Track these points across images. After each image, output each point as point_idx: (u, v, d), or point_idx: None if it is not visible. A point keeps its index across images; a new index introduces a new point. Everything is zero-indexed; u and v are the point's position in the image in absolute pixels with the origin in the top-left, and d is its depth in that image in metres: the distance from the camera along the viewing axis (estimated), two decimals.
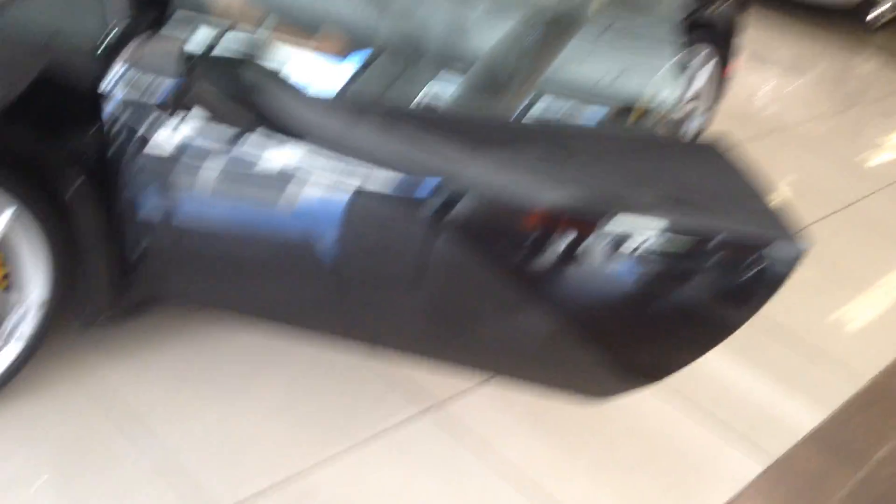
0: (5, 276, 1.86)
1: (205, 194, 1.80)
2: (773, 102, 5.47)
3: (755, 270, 1.71)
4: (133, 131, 1.77)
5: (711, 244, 1.70)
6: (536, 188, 1.74)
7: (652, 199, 1.76)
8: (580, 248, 1.73)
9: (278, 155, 1.76)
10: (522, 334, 1.89)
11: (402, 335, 1.99)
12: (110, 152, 1.78)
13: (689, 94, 2.22)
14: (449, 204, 1.73)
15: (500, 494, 2.10)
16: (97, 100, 1.76)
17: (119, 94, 1.77)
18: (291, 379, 2.29)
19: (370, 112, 1.81)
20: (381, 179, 1.74)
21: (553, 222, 1.73)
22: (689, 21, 2.53)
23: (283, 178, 1.76)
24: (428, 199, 1.72)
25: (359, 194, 1.75)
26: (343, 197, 1.76)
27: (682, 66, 2.28)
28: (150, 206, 1.83)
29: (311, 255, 1.82)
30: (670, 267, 1.74)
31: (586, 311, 1.82)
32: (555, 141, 1.88)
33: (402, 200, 1.74)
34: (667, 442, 2.40)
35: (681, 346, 1.90)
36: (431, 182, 1.73)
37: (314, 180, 1.75)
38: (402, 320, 1.94)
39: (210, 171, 1.78)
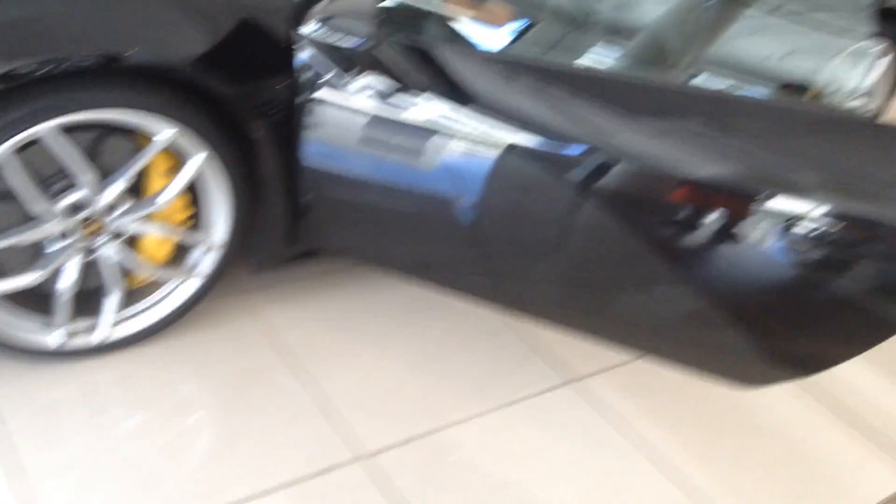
0: (193, 216, 2.02)
1: (365, 148, 1.89)
2: None
3: None
4: (318, 82, 1.87)
5: (879, 232, 1.64)
6: (693, 161, 1.73)
7: (817, 180, 1.71)
8: (734, 227, 1.71)
9: (431, 109, 1.81)
10: (668, 311, 1.89)
11: (541, 302, 2.02)
12: (295, 102, 1.88)
13: (864, 85, 2.13)
14: (600, 170, 1.75)
15: (637, 470, 2.11)
16: (289, 50, 1.86)
17: (310, 45, 1.86)
18: (442, 334, 2.38)
19: (527, 72, 1.84)
20: (531, 140, 1.77)
21: (708, 197, 1.72)
22: (874, 9, 2.42)
23: (431, 134, 1.82)
24: (578, 162, 1.75)
25: (506, 153, 1.79)
26: (489, 155, 1.80)
27: (861, 55, 2.19)
28: (321, 156, 1.93)
29: (451, 214, 1.89)
30: (831, 254, 1.68)
31: (737, 293, 1.79)
32: (717, 114, 1.85)
33: (551, 161, 1.77)
34: (811, 443, 2.34)
35: (836, 340, 1.84)
36: (582, 146, 1.74)
37: (463, 137, 1.80)
38: (540, 287, 1.98)
39: (373, 126, 1.87)
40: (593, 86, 1.85)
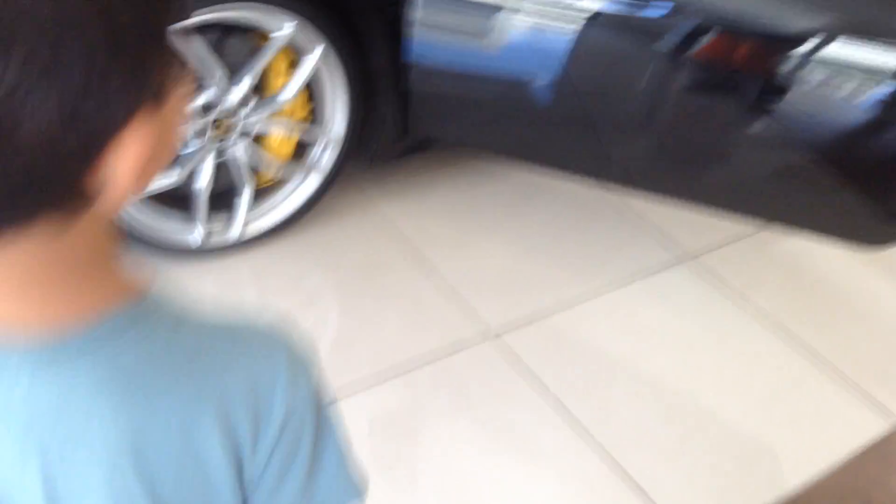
0: (312, 111, 2.11)
1: (456, 35, 1.90)
2: None
3: None
4: None
5: None
6: (787, 14, 1.68)
7: None
8: (828, 81, 1.66)
9: None
10: (780, 175, 1.87)
11: (649, 175, 2.01)
12: None
13: None
14: (690, 35, 1.70)
15: (758, 340, 2.15)
16: None
17: None
18: (552, 217, 2.43)
19: None
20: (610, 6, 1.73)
21: (799, 53, 1.66)
22: None
23: (497, 10, 1.80)
24: (666, 25, 1.71)
25: (588, 24, 1.75)
26: (569, 29, 1.77)
27: None
28: (422, 49, 1.94)
29: (531, 95, 1.88)
30: None
31: (840, 148, 1.76)
32: None
33: (636, 27, 1.74)
34: None
35: None
36: (667, 5, 1.70)
37: (529, 11, 1.77)
38: (644, 160, 1.97)
39: (459, 11, 1.87)
40: None
